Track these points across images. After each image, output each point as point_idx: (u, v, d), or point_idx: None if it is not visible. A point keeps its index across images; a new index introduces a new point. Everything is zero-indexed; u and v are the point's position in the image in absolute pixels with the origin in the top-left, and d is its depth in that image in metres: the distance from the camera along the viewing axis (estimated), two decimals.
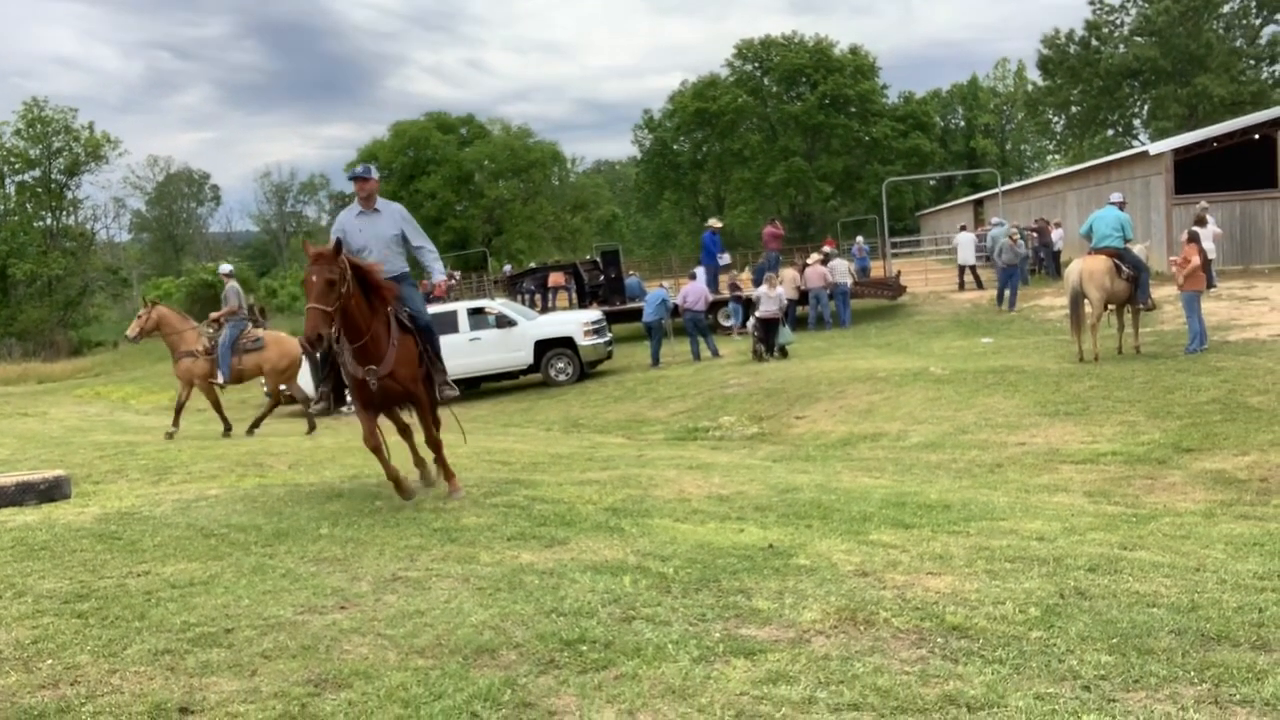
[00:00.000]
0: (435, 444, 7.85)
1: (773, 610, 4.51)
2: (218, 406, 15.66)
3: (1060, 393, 12.58)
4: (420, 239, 7.84)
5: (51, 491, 8.02)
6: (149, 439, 14.36)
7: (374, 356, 7.02)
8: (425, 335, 7.64)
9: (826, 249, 29.12)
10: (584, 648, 4.11)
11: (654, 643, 4.13)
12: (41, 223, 60.74)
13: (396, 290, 7.40)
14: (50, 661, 4.16)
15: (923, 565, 5.24)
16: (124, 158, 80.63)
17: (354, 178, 7.64)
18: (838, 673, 3.77)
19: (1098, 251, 14.39)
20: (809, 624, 4.31)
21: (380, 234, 7.61)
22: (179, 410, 15.25)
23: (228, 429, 15.24)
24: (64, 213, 63.79)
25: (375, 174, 7.72)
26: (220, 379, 15.08)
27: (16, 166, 60.65)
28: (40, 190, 61.15)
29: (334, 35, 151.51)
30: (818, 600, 4.61)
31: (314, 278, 6.50)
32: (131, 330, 15.10)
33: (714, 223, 28.58)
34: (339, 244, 6.75)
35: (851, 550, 5.61)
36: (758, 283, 23.70)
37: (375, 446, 7.27)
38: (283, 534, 6.46)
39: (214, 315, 15.50)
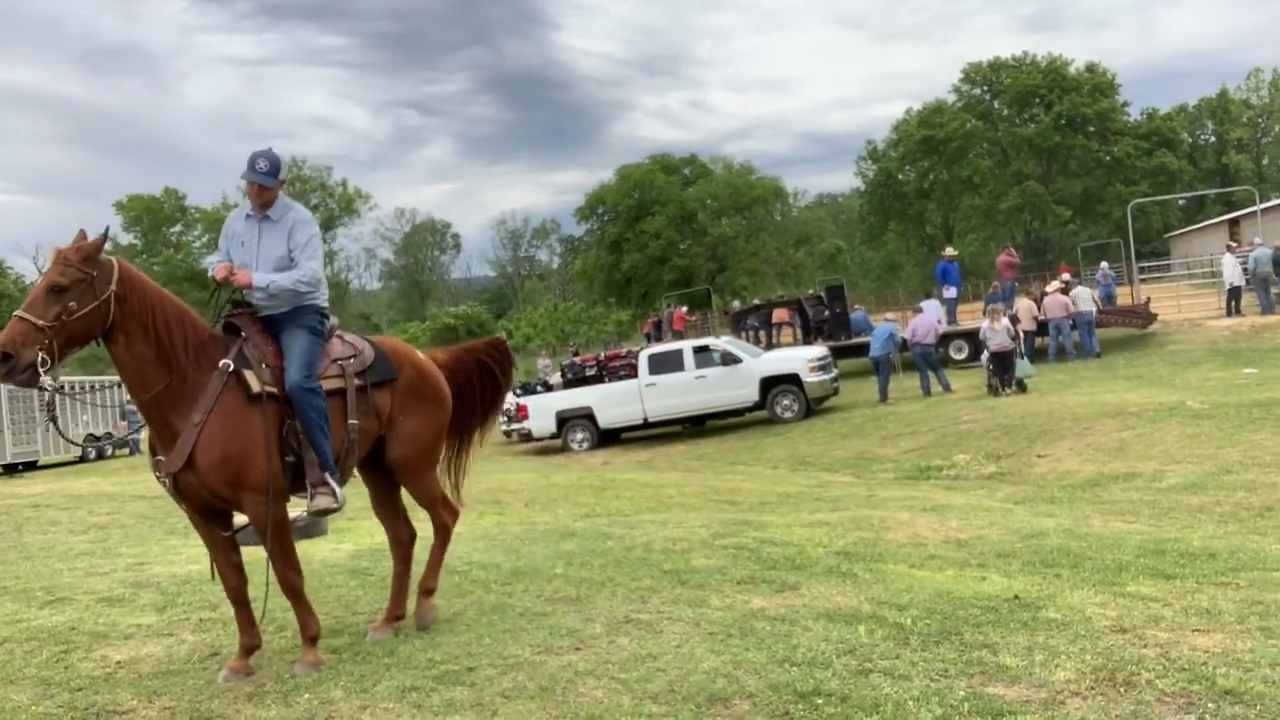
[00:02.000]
0: (284, 587, 4.95)
1: (1021, 668, 4.24)
2: None
3: None
4: (304, 253, 5.25)
5: (310, 529, 8.55)
6: None
7: (163, 435, 4.70)
8: (296, 409, 4.88)
9: (1065, 277, 27.70)
10: (819, 700, 4.00)
11: (893, 698, 3.97)
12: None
13: (257, 329, 5.06)
14: (307, 696, 4.40)
15: (1188, 621, 4.83)
16: (374, 211, 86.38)
17: (249, 179, 5.19)
18: None
19: None
20: (1062, 684, 4.03)
21: (269, 250, 5.22)
22: None
23: None
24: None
25: (280, 177, 5.26)
26: None
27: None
28: None
29: (564, 85, 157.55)
30: (1071, 658, 4.31)
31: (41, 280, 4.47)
32: None
33: (949, 251, 27.81)
34: (102, 238, 4.56)
35: (1106, 603, 5.24)
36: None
37: (229, 590, 4.98)
38: (520, 573, 6.64)
39: None
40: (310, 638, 4.89)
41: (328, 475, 4.91)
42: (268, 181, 5.15)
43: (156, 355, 4.58)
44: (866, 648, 4.64)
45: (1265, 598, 5.21)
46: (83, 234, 4.52)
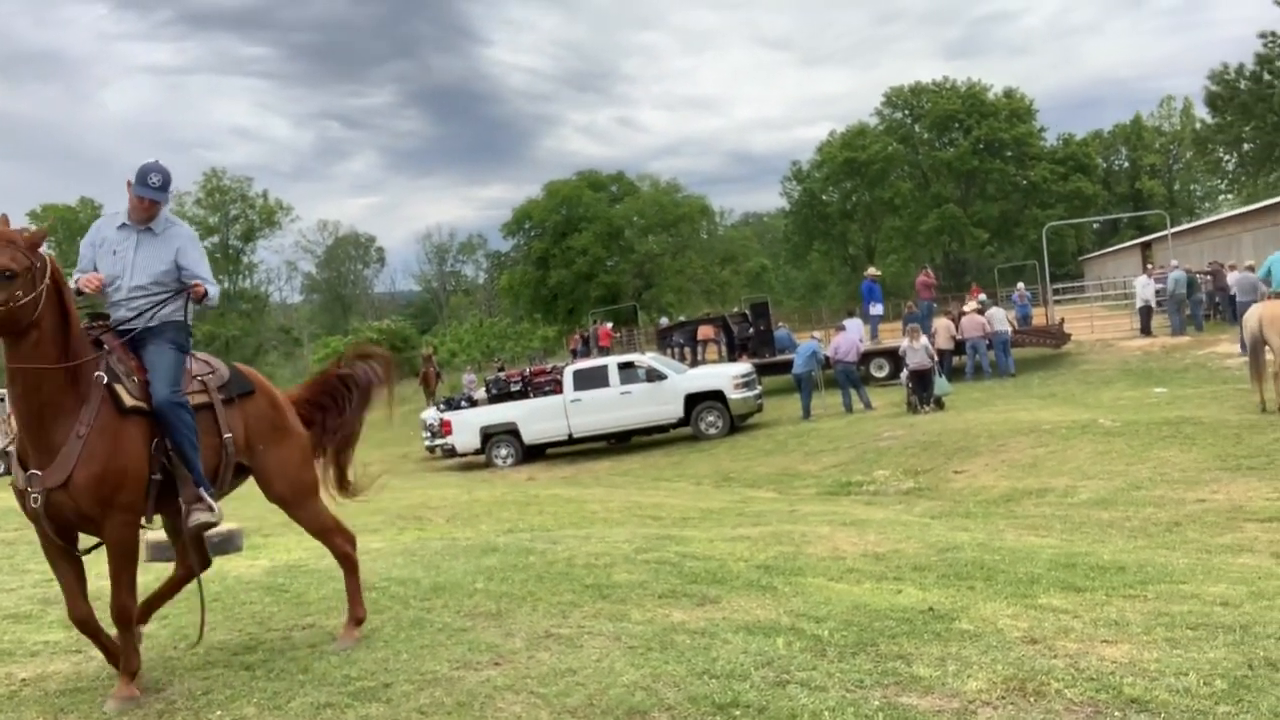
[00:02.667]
0: (119, 615, 4.62)
1: (934, 678, 4.31)
2: None
3: (1242, 445, 11.83)
4: (204, 270, 5.15)
5: (224, 544, 8.38)
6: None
7: (41, 447, 4.41)
8: (166, 424, 4.66)
9: (980, 297, 28.33)
10: (737, 712, 4.01)
11: (809, 709, 4.00)
12: (220, 286, 64.61)
13: (150, 339, 4.88)
14: (219, 713, 4.30)
15: (1097, 632, 4.94)
16: (296, 223, 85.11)
17: (140, 194, 4.93)
18: None
19: (1278, 296, 13.57)
20: (974, 694, 4.10)
21: (147, 263, 4.95)
22: None
23: None
24: (240, 276, 67.76)
25: (170, 192, 5.08)
26: None
27: (199, 233, 64.87)
28: (219, 255, 65.16)
29: (492, 99, 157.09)
30: (983, 668, 4.39)
31: None
32: None
33: (872, 271, 28.30)
34: (45, 230, 4.51)
35: (1018, 615, 5.34)
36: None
37: (79, 620, 4.69)
38: (440, 588, 6.56)
39: None
40: (129, 672, 4.58)
41: (201, 490, 4.73)
42: (160, 197, 4.96)
43: (57, 358, 4.35)
44: (784, 659, 4.67)
45: (1171, 609, 5.35)
46: (5, 219, 4.30)
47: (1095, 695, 4.01)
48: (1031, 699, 4.02)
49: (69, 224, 66.72)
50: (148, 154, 4.48)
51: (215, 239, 66.23)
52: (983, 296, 29.13)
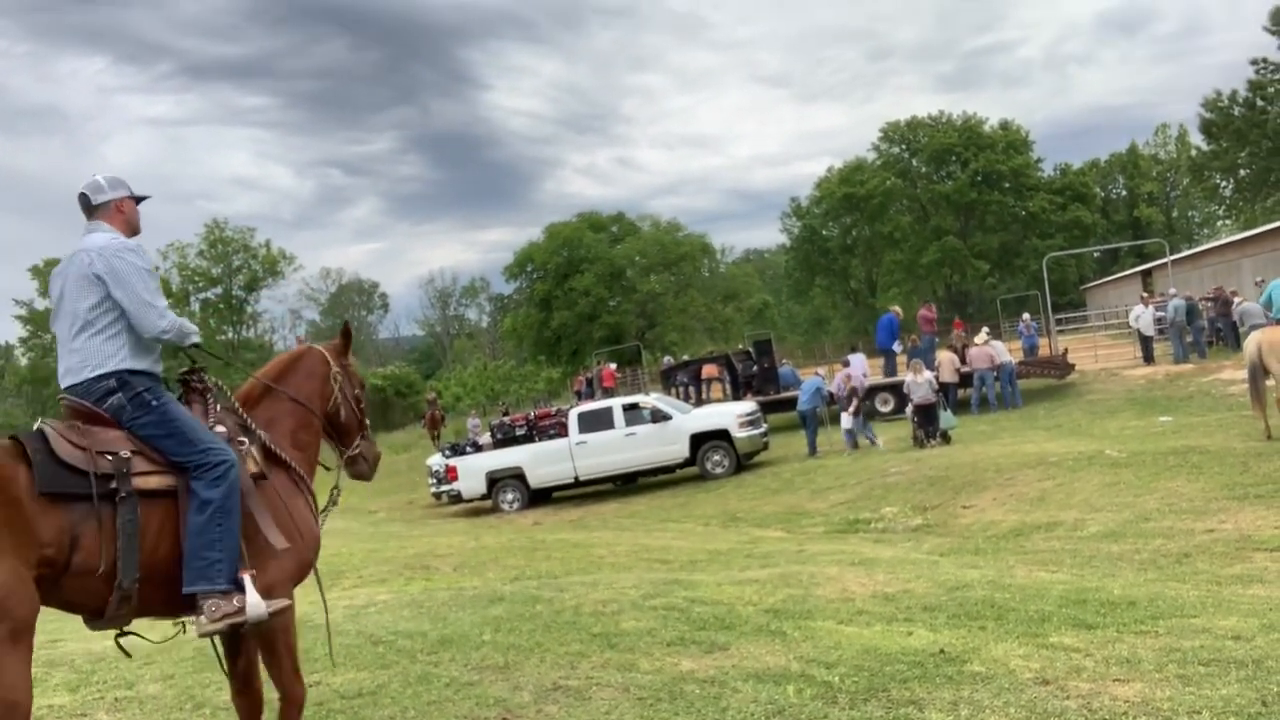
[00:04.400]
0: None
1: None
2: None
3: (1249, 474, 11.77)
4: (139, 293, 4.06)
5: None
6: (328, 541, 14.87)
7: None
8: None
9: (958, 331, 28.45)
10: None
11: None
12: (224, 336, 64.76)
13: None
14: None
15: (1109, 671, 4.90)
16: (299, 271, 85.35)
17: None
18: None
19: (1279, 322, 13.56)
20: None
21: (65, 300, 4.12)
22: None
23: None
24: (244, 326, 67.91)
25: (107, 195, 4.24)
26: None
27: (200, 285, 65.18)
28: (222, 306, 65.38)
29: (492, 144, 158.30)
30: (995, 712, 4.35)
31: None
32: None
33: (895, 309, 28.47)
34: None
35: (1030, 655, 5.30)
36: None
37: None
38: (447, 641, 6.52)
39: None
40: None
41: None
42: (95, 198, 4.39)
43: None
44: (795, 708, 4.63)
45: (1183, 645, 5.31)
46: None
47: None
48: None
49: None
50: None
51: (219, 290, 66.45)
52: (960, 330, 29.21)
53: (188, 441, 3.96)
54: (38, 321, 66.59)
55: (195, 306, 65.65)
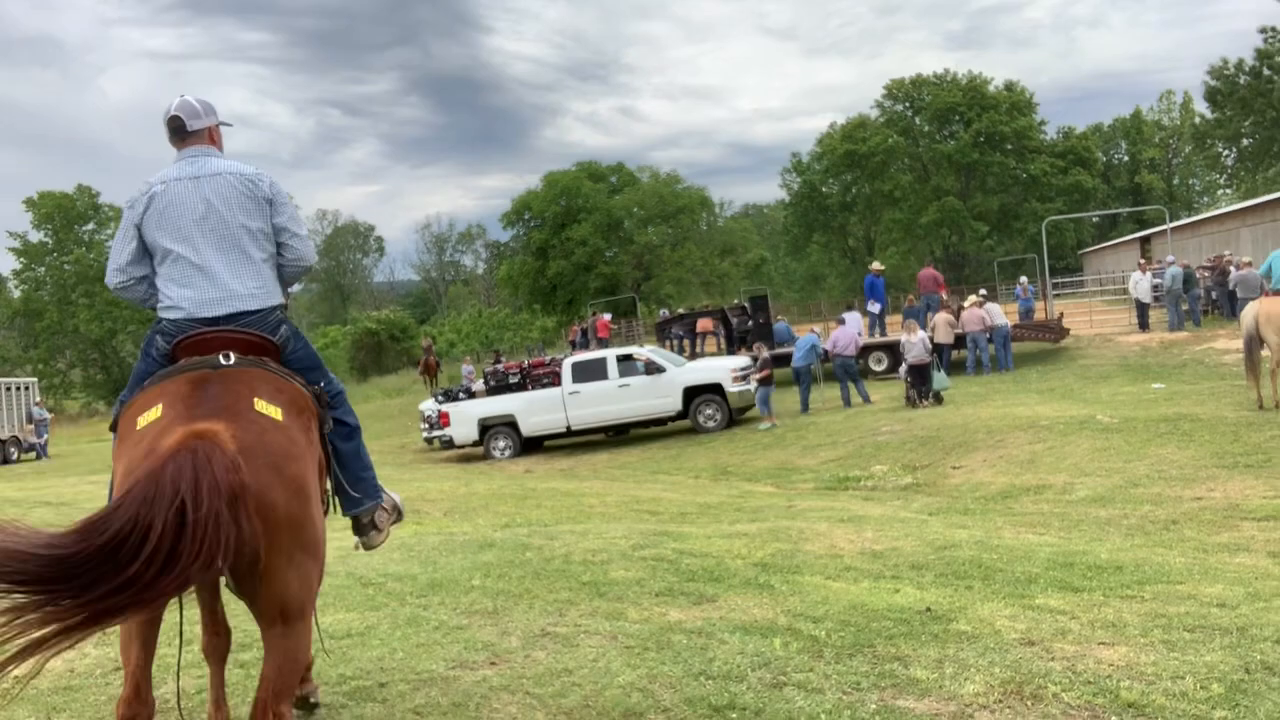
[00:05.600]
0: None
1: (932, 681, 4.30)
2: None
3: (1239, 443, 11.82)
4: (300, 223, 4.03)
5: None
6: None
7: None
8: None
9: (982, 291, 28.34)
10: (733, 715, 4.01)
11: (806, 712, 3.99)
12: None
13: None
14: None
15: (1094, 634, 4.93)
16: (296, 212, 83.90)
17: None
18: None
19: (1277, 292, 13.53)
20: (971, 697, 4.09)
21: (215, 219, 3.71)
22: None
23: None
24: None
25: (203, 121, 3.89)
26: None
27: None
28: None
29: (494, 88, 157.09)
30: (980, 671, 4.38)
31: None
32: None
33: (876, 266, 28.34)
34: None
35: (1016, 616, 5.33)
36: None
37: None
38: (436, 585, 6.55)
39: None
40: None
41: None
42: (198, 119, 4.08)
43: None
44: (781, 661, 4.66)
45: (1168, 610, 5.34)
46: None
47: (1092, 699, 4.01)
48: (1029, 703, 4.02)
49: (66, 211, 66.60)
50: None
51: None
52: (983, 290, 29.14)
53: (326, 372, 3.96)
54: (32, 254, 66.27)
55: None
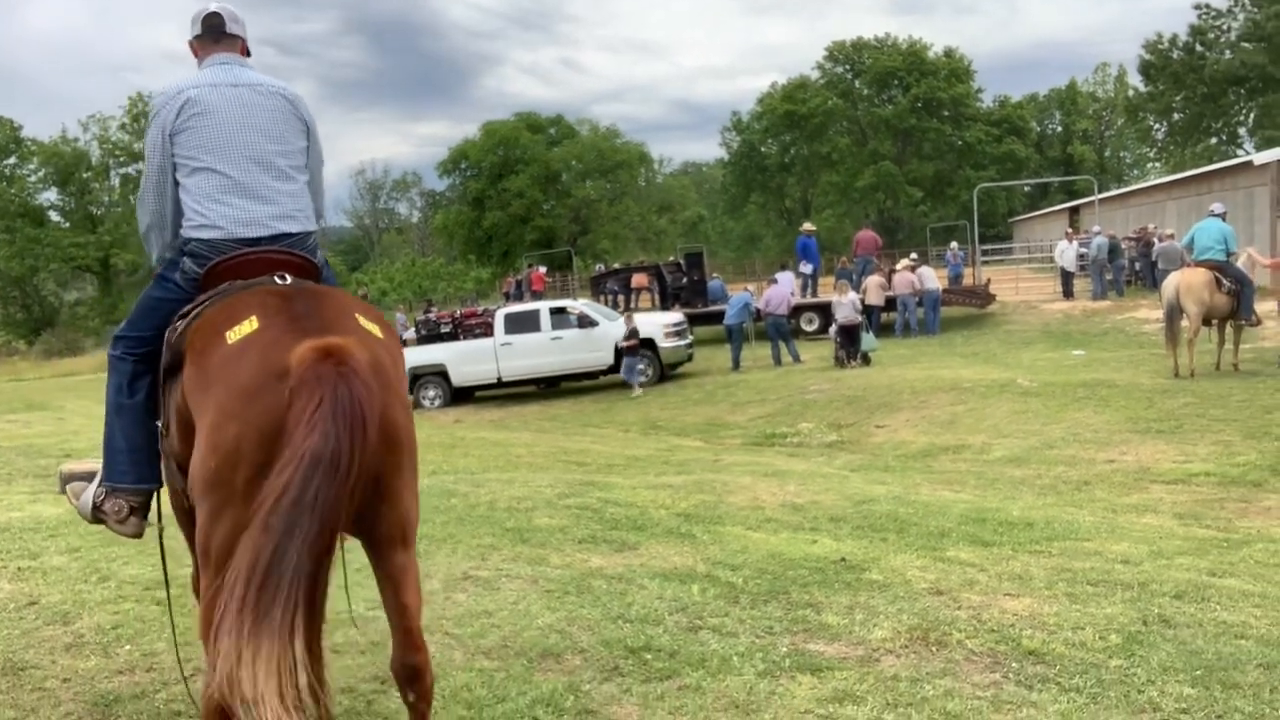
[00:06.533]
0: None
1: (842, 626, 4.43)
2: None
3: (1153, 409, 12.19)
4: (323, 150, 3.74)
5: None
6: None
7: None
8: None
9: (913, 255, 28.71)
10: (649, 656, 4.09)
11: (719, 654, 4.09)
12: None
13: None
14: (128, 647, 4.28)
15: (1000, 586, 5.10)
16: None
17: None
18: (906, 694, 3.69)
19: (1199, 264, 13.92)
20: (879, 642, 4.23)
21: (256, 131, 3.40)
22: None
23: None
24: None
25: (238, 29, 3.60)
26: None
27: (121, 159, 63.03)
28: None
29: (434, 33, 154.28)
30: (889, 618, 4.52)
31: None
32: None
33: (807, 226, 28.51)
34: None
35: (927, 567, 5.49)
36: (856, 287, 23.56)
37: None
38: None
39: None
40: None
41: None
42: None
43: None
44: (698, 606, 4.76)
45: (1074, 565, 5.53)
46: None
47: (995, 646, 4.16)
48: (933, 648, 4.16)
49: None
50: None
51: (140, 165, 64.37)
52: (914, 255, 29.51)
53: None
54: None
55: (115, 181, 63.54)
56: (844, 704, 3.62)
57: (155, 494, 3.47)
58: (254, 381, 2.66)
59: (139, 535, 3.53)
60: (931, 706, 3.57)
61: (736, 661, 4.01)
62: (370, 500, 2.78)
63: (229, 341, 2.77)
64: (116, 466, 3.42)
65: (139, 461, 3.38)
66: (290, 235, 3.34)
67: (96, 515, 3.48)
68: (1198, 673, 3.79)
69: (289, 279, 3.15)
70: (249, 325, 2.79)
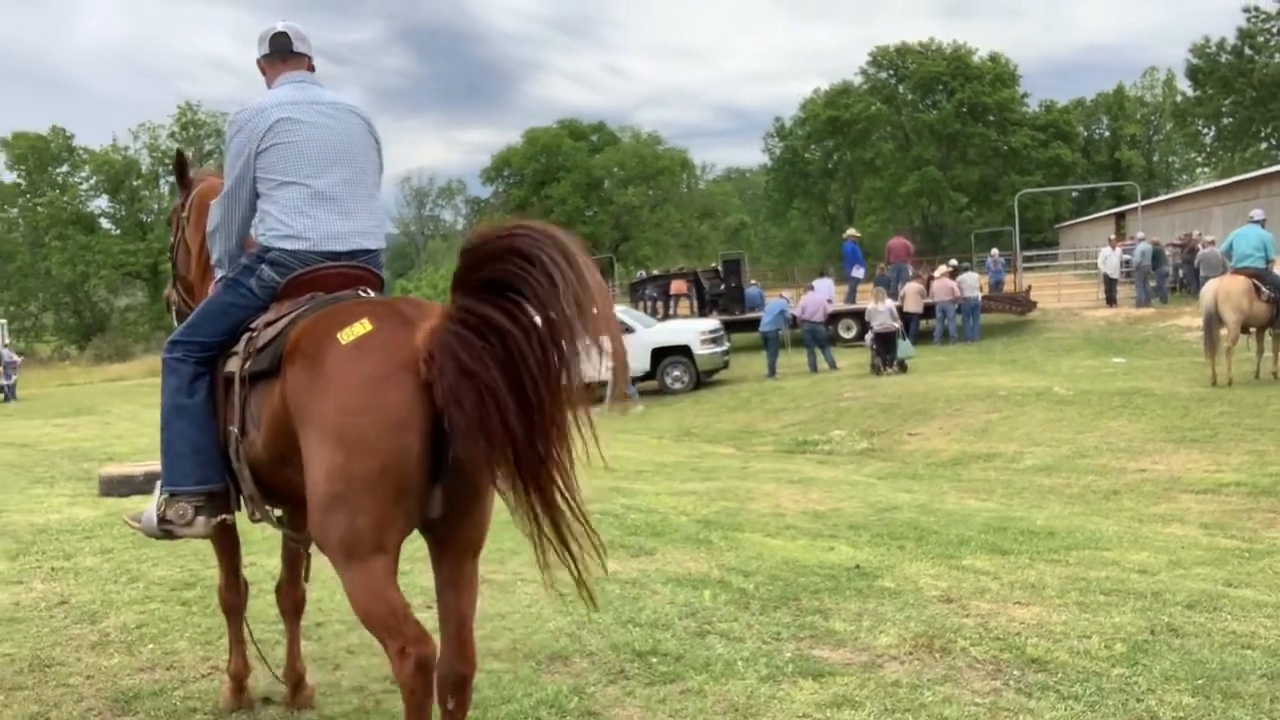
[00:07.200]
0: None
1: (848, 632, 4.47)
2: None
3: (1189, 418, 12.07)
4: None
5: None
6: None
7: None
8: None
9: (953, 261, 28.51)
10: (655, 660, 4.16)
11: (724, 658, 4.15)
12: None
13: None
14: (151, 646, 4.42)
15: (1012, 594, 5.11)
16: None
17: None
18: (905, 700, 3.73)
19: (1238, 272, 13.75)
20: (883, 648, 4.27)
21: (341, 149, 3.54)
22: None
23: None
24: None
25: (305, 48, 3.89)
26: None
27: (170, 168, 64.05)
28: None
29: (479, 41, 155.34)
30: (896, 625, 4.56)
31: None
32: None
33: (852, 232, 28.40)
34: None
35: (940, 575, 5.51)
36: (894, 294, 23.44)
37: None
38: None
39: None
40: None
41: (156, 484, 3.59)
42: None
43: None
44: (708, 611, 4.82)
45: (1089, 574, 5.53)
46: None
47: (998, 654, 4.18)
48: (937, 655, 4.19)
49: (40, 152, 65.63)
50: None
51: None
52: (954, 261, 29.33)
53: None
54: (4, 195, 65.33)
55: (165, 189, 64.63)
56: (842, 709, 3.67)
57: (227, 492, 3.47)
58: (380, 371, 2.72)
59: (208, 536, 3.58)
60: (929, 712, 3.61)
61: (740, 666, 4.07)
62: (467, 504, 2.97)
63: (342, 343, 2.81)
64: (178, 470, 3.46)
65: (202, 463, 3.42)
66: (368, 252, 3.46)
67: (163, 528, 3.48)
68: (1199, 682, 3.80)
69: (371, 294, 3.26)
70: (361, 327, 2.82)
